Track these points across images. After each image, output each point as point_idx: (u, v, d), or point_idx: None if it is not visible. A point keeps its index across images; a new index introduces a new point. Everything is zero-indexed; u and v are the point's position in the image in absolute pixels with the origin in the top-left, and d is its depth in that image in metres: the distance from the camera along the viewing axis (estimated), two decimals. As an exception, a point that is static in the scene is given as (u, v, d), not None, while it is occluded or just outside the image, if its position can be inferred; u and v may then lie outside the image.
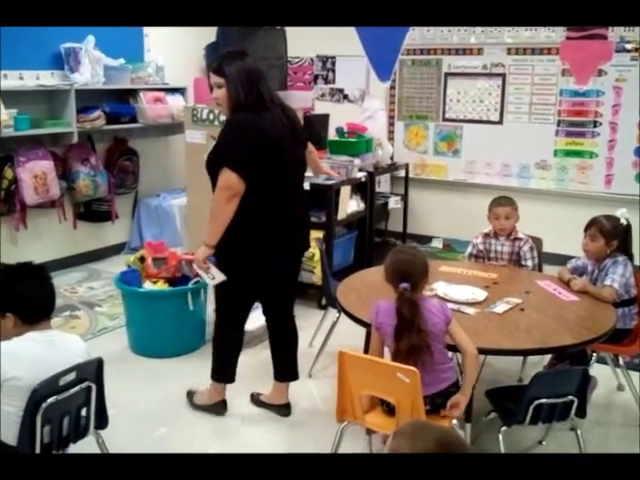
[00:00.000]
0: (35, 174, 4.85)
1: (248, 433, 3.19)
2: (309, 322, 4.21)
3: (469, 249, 3.77)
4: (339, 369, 2.50)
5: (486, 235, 3.71)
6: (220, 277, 3.08)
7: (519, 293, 3.14)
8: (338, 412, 2.56)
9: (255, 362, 3.77)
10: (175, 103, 5.72)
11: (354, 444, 2.86)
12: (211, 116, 4.77)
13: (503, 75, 5.76)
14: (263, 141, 2.88)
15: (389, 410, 2.53)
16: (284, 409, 3.32)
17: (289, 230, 3.06)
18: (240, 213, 2.92)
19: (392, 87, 6.19)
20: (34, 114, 4.87)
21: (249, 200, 2.91)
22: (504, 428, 2.59)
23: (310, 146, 3.34)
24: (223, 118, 4.66)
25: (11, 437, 2.21)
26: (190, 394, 3.42)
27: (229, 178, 2.85)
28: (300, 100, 6.53)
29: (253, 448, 3.05)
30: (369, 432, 2.81)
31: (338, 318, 3.57)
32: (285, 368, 3.34)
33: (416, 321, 2.44)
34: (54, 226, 5.29)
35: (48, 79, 5.05)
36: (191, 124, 4.88)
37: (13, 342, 2.23)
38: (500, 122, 5.83)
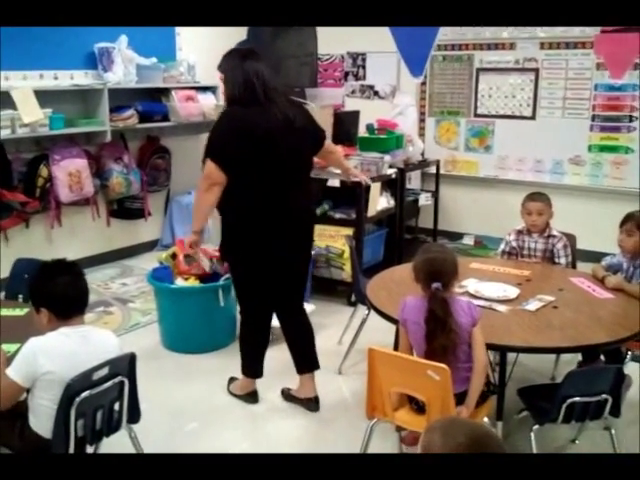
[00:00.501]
0: (70, 172, 4.93)
1: (278, 429, 3.20)
2: (338, 319, 4.22)
3: (502, 246, 3.73)
4: (369, 366, 2.50)
5: (519, 232, 3.67)
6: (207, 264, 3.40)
7: (552, 290, 3.10)
8: (368, 409, 2.56)
9: (286, 357, 3.78)
10: (206, 101, 5.76)
11: (384, 441, 2.85)
12: (242, 114, 4.79)
13: (536, 70, 5.68)
14: (248, 134, 2.94)
15: (418, 408, 2.52)
16: (312, 403, 3.33)
17: (279, 221, 3.08)
18: (231, 204, 3.05)
19: (423, 83, 6.15)
20: (68, 113, 4.95)
21: (237, 191, 3.01)
22: (536, 427, 2.55)
23: (332, 146, 3.38)
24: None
25: (46, 430, 2.25)
26: (231, 380, 3.53)
27: (209, 168, 2.99)
28: (330, 97, 6.54)
29: (282, 444, 3.06)
30: (399, 429, 2.81)
31: (368, 315, 3.56)
32: (304, 360, 3.38)
33: (449, 321, 2.43)
34: (88, 223, 5.38)
35: (82, 79, 5.14)
36: (222, 122, 4.90)
37: (47, 337, 2.26)
38: (533, 117, 5.76)
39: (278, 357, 3.66)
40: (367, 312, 3.55)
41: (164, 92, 5.59)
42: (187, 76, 5.78)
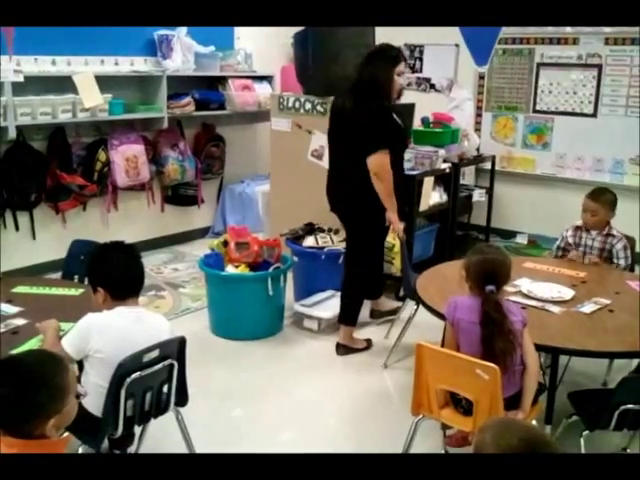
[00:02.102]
0: (127, 157, 5.03)
1: (321, 420, 3.20)
2: (387, 313, 4.20)
3: (557, 242, 3.65)
4: (416, 362, 2.47)
5: (577, 228, 3.57)
6: None
7: (608, 293, 3.01)
8: (414, 405, 2.54)
9: (331, 349, 3.82)
10: (262, 91, 5.78)
11: (428, 438, 2.82)
12: (297, 104, 4.80)
13: (599, 66, 5.51)
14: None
15: (464, 412, 2.47)
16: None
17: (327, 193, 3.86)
18: None
19: (481, 77, 6.04)
20: (127, 99, 5.04)
21: None
22: (586, 432, 2.49)
23: (374, 171, 3.49)
24: (308, 106, 4.76)
25: (96, 408, 2.31)
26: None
27: None
28: (386, 89, 6.46)
29: (324, 436, 3.06)
30: (444, 427, 2.77)
31: (416, 310, 3.53)
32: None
33: (505, 323, 2.38)
34: (143, 208, 5.48)
35: (141, 65, 5.22)
36: (277, 112, 4.93)
37: (103, 315, 2.33)
38: (594, 115, 5.59)
39: (323, 347, 3.66)
40: (415, 307, 3.52)
41: (221, 81, 5.65)
42: (244, 65, 5.81)
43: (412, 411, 2.56)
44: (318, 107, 4.70)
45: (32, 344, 2.40)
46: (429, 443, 2.85)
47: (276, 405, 3.31)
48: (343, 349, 3.80)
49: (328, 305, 4.10)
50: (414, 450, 2.60)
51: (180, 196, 5.73)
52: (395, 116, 3.63)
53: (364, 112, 3.51)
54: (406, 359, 3.63)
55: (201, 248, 5.12)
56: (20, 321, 2.60)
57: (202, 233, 6.00)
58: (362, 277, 3.81)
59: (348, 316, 3.81)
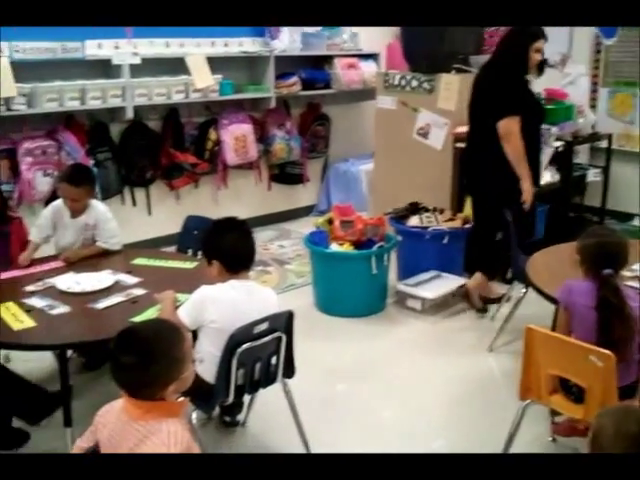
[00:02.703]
0: (236, 136, 5.16)
1: (425, 398, 3.20)
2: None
3: None
4: (526, 346, 2.41)
5: None
6: None
7: None
8: (522, 390, 2.48)
9: (434, 330, 3.79)
10: (368, 69, 5.76)
11: (534, 425, 2.75)
12: (403, 82, 4.75)
13: None
14: None
15: (575, 399, 2.39)
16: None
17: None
18: None
19: (597, 51, 5.73)
20: (236, 79, 5.17)
21: None
22: None
23: (506, 135, 3.60)
24: (414, 84, 4.69)
25: (210, 375, 2.41)
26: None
27: None
28: (495, 65, 6.26)
29: (426, 419, 3.05)
30: (553, 414, 2.70)
31: (525, 293, 3.43)
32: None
33: (625, 309, 2.28)
34: (251, 186, 5.62)
35: (250, 46, 5.32)
36: (382, 90, 4.90)
37: (216, 287, 2.42)
38: None
39: (427, 327, 3.64)
40: (524, 290, 3.42)
41: (327, 59, 5.66)
42: (350, 44, 5.80)
43: (520, 396, 2.49)
44: (424, 84, 4.63)
45: (150, 313, 2.53)
46: (535, 430, 2.78)
47: (379, 382, 3.34)
48: (478, 301, 4.00)
49: (432, 285, 4.07)
50: (520, 436, 2.55)
51: (286, 174, 5.83)
52: (532, 90, 3.77)
53: (498, 81, 3.66)
54: (512, 343, 3.55)
55: (306, 226, 5.20)
56: (139, 291, 2.75)
57: (307, 211, 6.08)
58: (493, 251, 3.97)
59: (487, 267, 3.97)
